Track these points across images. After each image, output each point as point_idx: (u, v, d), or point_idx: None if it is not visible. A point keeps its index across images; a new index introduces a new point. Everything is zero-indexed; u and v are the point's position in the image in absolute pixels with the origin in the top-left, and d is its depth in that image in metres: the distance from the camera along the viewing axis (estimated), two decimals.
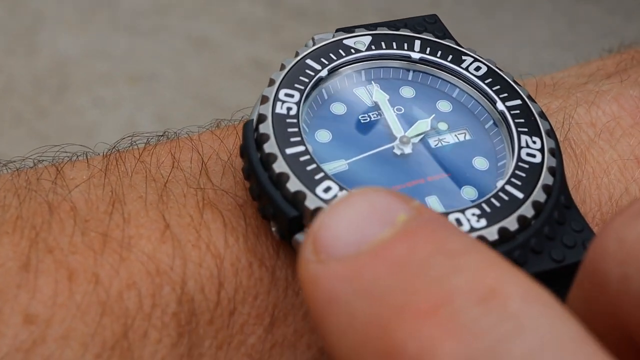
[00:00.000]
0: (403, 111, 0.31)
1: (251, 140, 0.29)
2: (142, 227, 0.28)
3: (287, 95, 0.29)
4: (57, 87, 0.73)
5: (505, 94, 0.31)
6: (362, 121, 0.30)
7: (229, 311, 0.27)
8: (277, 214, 0.27)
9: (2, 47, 0.74)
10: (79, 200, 0.29)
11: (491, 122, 0.31)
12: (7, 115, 0.72)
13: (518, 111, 0.30)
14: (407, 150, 0.29)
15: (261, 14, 0.80)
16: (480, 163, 0.30)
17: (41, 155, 0.32)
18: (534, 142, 0.29)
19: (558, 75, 0.38)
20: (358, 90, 0.31)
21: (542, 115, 0.31)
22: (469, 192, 0.29)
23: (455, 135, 0.30)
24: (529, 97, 0.31)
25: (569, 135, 0.33)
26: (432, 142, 0.30)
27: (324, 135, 0.30)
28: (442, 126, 0.30)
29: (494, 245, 0.27)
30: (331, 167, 0.28)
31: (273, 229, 0.28)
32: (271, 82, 0.30)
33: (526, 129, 0.30)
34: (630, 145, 0.33)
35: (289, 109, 0.29)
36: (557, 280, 0.27)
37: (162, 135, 0.33)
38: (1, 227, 0.27)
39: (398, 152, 0.29)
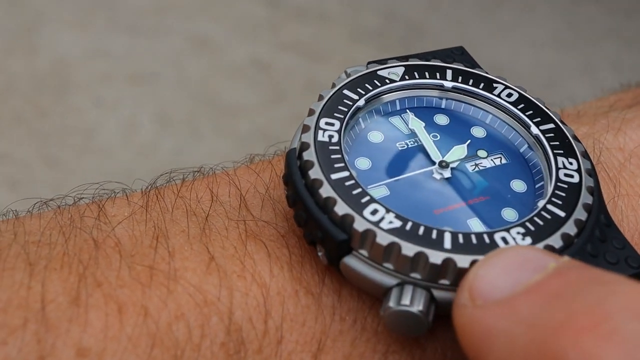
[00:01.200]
0: (439, 138, 0.31)
1: (295, 168, 0.29)
2: (187, 260, 0.29)
3: (327, 124, 0.30)
4: (57, 87, 0.73)
5: (539, 119, 0.32)
6: (399, 148, 0.31)
7: (276, 339, 0.28)
8: (326, 238, 0.28)
9: (2, 47, 0.74)
10: (123, 235, 0.29)
11: (526, 146, 0.31)
12: (7, 115, 0.72)
13: (552, 134, 0.31)
14: (447, 174, 0.30)
15: (261, 14, 0.81)
16: (518, 186, 0.30)
17: (81, 193, 0.32)
18: (571, 163, 0.30)
19: (579, 106, 0.39)
20: (394, 119, 0.32)
21: (575, 138, 0.31)
22: (509, 214, 0.29)
23: (492, 160, 0.31)
24: (561, 121, 0.32)
25: (600, 159, 0.34)
26: (469, 166, 0.31)
27: (363, 163, 0.30)
28: (481, 153, 0.31)
29: None
30: (373, 192, 0.29)
31: (319, 253, 0.29)
32: (311, 112, 0.31)
33: (562, 151, 0.30)
34: None
35: (330, 136, 0.30)
36: None
37: (197, 172, 0.34)
38: (49, 264, 0.28)
39: (437, 176, 0.30)
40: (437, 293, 0.27)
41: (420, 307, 0.27)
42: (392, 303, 0.27)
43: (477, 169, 0.31)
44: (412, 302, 0.27)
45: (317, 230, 0.28)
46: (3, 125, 0.72)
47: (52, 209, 0.31)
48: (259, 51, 0.78)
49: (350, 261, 0.28)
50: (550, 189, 0.29)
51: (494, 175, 0.31)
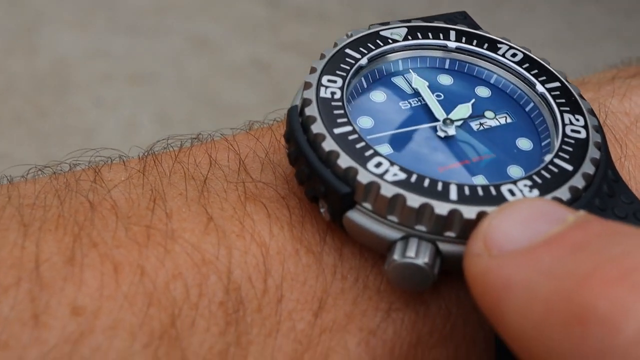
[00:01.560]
0: (443, 97, 0.31)
1: (297, 124, 0.29)
2: (184, 221, 0.28)
3: (330, 81, 0.30)
4: (57, 87, 0.73)
5: (544, 77, 0.31)
6: (402, 107, 0.30)
7: (276, 298, 0.27)
8: (329, 191, 0.27)
9: (2, 47, 0.74)
10: (119, 198, 0.29)
11: (532, 104, 0.31)
12: (7, 115, 0.72)
13: (558, 92, 0.31)
14: (451, 131, 0.30)
15: (261, 14, 0.81)
16: (524, 144, 0.30)
17: (77, 159, 0.32)
18: (577, 120, 0.30)
19: (584, 77, 0.39)
20: (397, 79, 0.32)
21: (582, 96, 0.31)
22: (515, 171, 0.29)
23: (497, 119, 0.31)
24: (567, 80, 0.31)
25: (606, 122, 0.34)
26: (474, 125, 0.30)
27: (365, 122, 0.30)
28: (489, 114, 0.31)
29: None
30: (377, 150, 0.28)
31: (322, 209, 0.28)
32: (312, 70, 0.30)
33: (568, 108, 0.30)
34: None
35: (333, 93, 0.29)
36: None
37: (195, 138, 0.33)
38: (44, 225, 0.27)
39: (442, 134, 0.30)
40: (442, 246, 0.27)
41: (426, 259, 0.26)
42: (396, 256, 0.26)
43: (482, 127, 0.30)
44: (417, 254, 0.26)
45: (320, 184, 0.27)
46: (3, 125, 0.71)
47: (47, 175, 0.31)
48: (259, 51, 0.78)
49: (354, 215, 0.27)
50: (557, 145, 0.29)
51: (500, 134, 0.30)
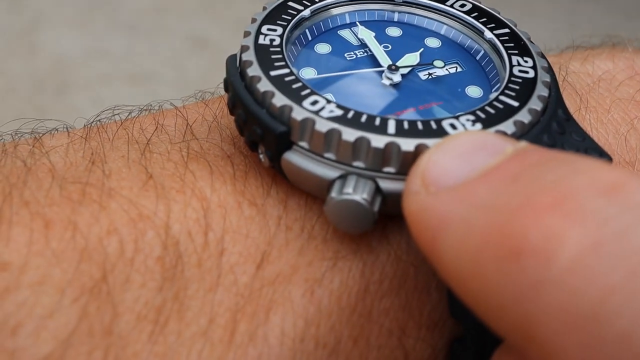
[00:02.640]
0: (390, 48, 0.30)
1: (234, 70, 0.28)
2: (123, 180, 0.27)
3: (269, 29, 0.29)
4: (57, 87, 0.73)
5: (493, 24, 0.31)
6: (347, 58, 0.30)
7: (218, 252, 0.26)
8: (265, 133, 0.26)
9: (2, 47, 0.74)
10: (57, 162, 0.28)
11: (482, 52, 0.30)
12: (7, 116, 0.72)
13: (507, 37, 0.30)
14: (396, 78, 0.29)
15: None
16: (473, 91, 0.29)
17: (18, 129, 0.31)
18: (526, 61, 0.29)
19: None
20: (343, 31, 0.31)
21: (531, 41, 0.30)
22: None
23: (446, 69, 0.30)
24: (516, 26, 0.31)
25: (567, 79, 0.33)
26: (422, 75, 0.30)
27: (309, 73, 0.29)
28: (438, 63, 0.30)
29: None
30: None
31: (261, 155, 0.27)
32: (253, 21, 0.30)
33: (517, 51, 0.29)
34: (629, 93, 0.33)
35: (272, 40, 0.29)
36: None
37: (145, 109, 0.32)
38: None
39: (387, 82, 0.29)
40: (383, 183, 0.26)
41: (365, 195, 0.25)
42: (334, 193, 0.26)
43: (430, 77, 0.30)
44: (355, 190, 0.25)
45: (256, 126, 0.27)
46: (3, 125, 0.72)
47: None
48: None
49: (291, 156, 0.26)
50: (503, 85, 0.28)
51: (448, 82, 0.29)
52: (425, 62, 0.30)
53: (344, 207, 0.25)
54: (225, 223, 0.27)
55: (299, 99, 0.26)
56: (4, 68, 0.73)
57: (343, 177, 0.26)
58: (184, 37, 0.78)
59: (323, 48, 0.30)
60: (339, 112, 0.26)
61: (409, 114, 0.28)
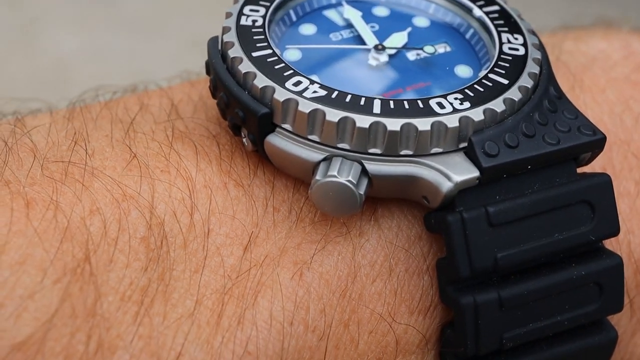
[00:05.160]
0: (377, 28, 0.29)
1: (216, 52, 0.27)
2: (107, 160, 0.27)
3: (252, 10, 0.28)
4: (57, 87, 0.73)
5: (482, 2, 0.30)
6: (333, 39, 0.29)
7: (203, 233, 0.26)
8: (247, 115, 0.26)
9: (2, 47, 0.73)
10: (39, 141, 0.27)
11: (472, 30, 0.29)
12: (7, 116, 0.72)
13: (497, 15, 0.29)
14: (383, 58, 0.28)
15: None
16: (463, 71, 0.28)
17: (0, 108, 0.30)
18: (516, 39, 0.28)
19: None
20: (329, 12, 0.30)
21: (521, 18, 0.29)
22: None
23: (435, 48, 0.29)
24: (506, 2, 0.30)
25: (561, 58, 0.32)
26: (410, 55, 0.29)
27: (293, 54, 0.28)
28: (428, 49, 0.29)
29: (482, 127, 0.25)
30: None
31: (244, 139, 0.26)
32: (235, 1, 0.29)
33: (507, 29, 0.29)
34: (624, 73, 0.33)
35: (254, 21, 0.28)
36: (556, 165, 0.26)
37: (130, 91, 0.32)
38: None
39: (373, 62, 0.28)
40: (369, 165, 0.25)
41: (349, 177, 0.24)
42: (319, 176, 0.25)
43: (418, 57, 0.29)
44: (340, 172, 0.25)
45: (238, 109, 0.26)
46: None
47: None
48: None
49: (274, 139, 0.26)
50: (492, 63, 0.27)
51: (437, 62, 0.28)
52: (414, 43, 0.29)
53: (329, 189, 0.25)
54: (211, 204, 0.26)
55: (281, 80, 0.26)
56: (4, 68, 0.74)
57: (328, 160, 0.25)
58: (184, 37, 0.79)
59: (308, 29, 0.29)
60: (323, 93, 0.25)
61: (397, 95, 0.27)
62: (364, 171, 0.25)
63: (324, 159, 0.25)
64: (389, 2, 0.31)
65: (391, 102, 0.25)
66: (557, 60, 0.32)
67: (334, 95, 0.25)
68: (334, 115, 0.25)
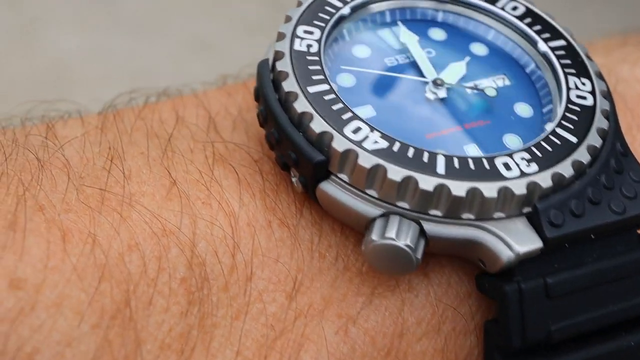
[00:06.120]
0: (434, 54, 0.28)
1: (267, 80, 0.26)
2: (144, 184, 0.25)
3: (306, 32, 0.26)
4: (57, 87, 0.71)
5: (548, 34, 0.28)
6: (388, 64, 0.27)
7: (245, 276, 0.24)
8: (300, 159, 0.24)
9: (2, 47, 0.73)
10: (72, 156, 0.26)
11: (533, 65, 0.28)
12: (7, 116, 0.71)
13: (563, 52, 0.27)
14: (441, 94, 0.26)
15: (262, 14, 0.79)
16: (522, 109, 0.27)
17: (29, 112, 0.28)
18: (584, 84, 0.26)
19: (590, 41, 0.35)
20: (383, 32, 0.28)
21: (589, 57, 0.28)
22: (512, 140, 0.26)
23: (493, 81, 0.27)
24: (573, 38, 0.28)
25: (617, 88, 0.30)
26: (468, 87, 0.27)
27: (347, 79, 0.26)
28: (487, 82, 0.27)
29: (548, 193, 0.24)
30: (358, 112, 0.25)
31: (294, 179, 0.25)
32: (287, 19, 0.27)
33: (574, 70, 0.27)
34: None
35: (309, 46, 0.26)
36: (618, 233, 0.24)
37: (162, 93, 0.30)
38: None
39: (431, 96, 0.26)
40: (427, 226, 0.24)
41: (407, 241, 0.23)
42: (375, 235, 0.23)
43: (476, 90, 0.27)
44: (398, 234, 0.23)
45: (290, 150, 0.24)
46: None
47: None
48: (259, 51, 0.76)
49: (328, 187, 0.24)
50: (560, 112, 0.26)
51: (496, 97, 0.27)
52: (472, 74, 0.27)
53: (386, 252, 0.24)
54: (254, 244, 0.25)
55: (340, 125, 0.24)
56: (4, 68, 0.72)
57: (385, 217, 0.24)
58: (184, 37, 0.77)
59: (362, 51, 0.27)
60: (384, 144, 0.24)
61: (455, 133, 0.25)
62: (422, 231, 0.24)
63: (381, 215, 0.24)
64: (445, 22, 0.29)
65: (455, 161, 0.24)
66: (614, 92, 0.30)
67: (395, 148, 0.24)
68: (396, 173, 0.23)
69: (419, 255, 0.23)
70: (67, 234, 0.23)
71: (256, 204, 0.25)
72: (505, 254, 0.23)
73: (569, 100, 0.26)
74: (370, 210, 0.24)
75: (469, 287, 0.25)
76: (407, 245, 0.23)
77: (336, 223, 0.26)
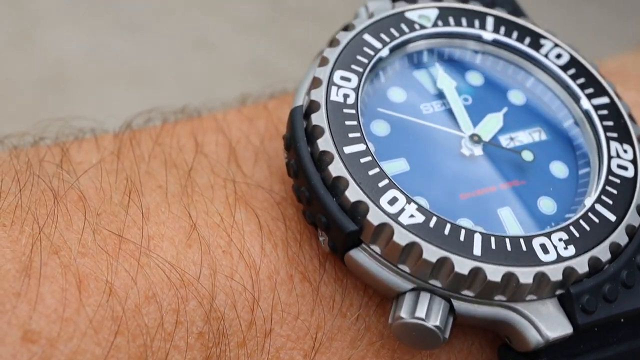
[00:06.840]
0: (470, 102, 0.26)
1: (301, 132, 0.24)
2: (163, 225, 0.24)
3: (343, 78, 0.25)
4: (57, 87, 0.70)
5: (591, 90, 0.27)
6: (424, 112, 0.26)
7: (264, 332, 0.24)
8: (332, 225, 0.23)
9: (2, 47, 0.71)
10: (88, 188, 0.25)
11: (571, 120, 0.27)
12: (8, 116, 0.68)
13: (606, 111, 0.26)
14: (477, 151, 0.25)
15: (262, 14, 0.77)
16: (558, 169, 0.26)
17: (43, 131, 0.27)
18: (625, 152, 0.25)
19: (620, 59, 0.33)
20: (419, 73, 0.27)
21: (632, 117, 0.26)
22: (546, 205, 0.25)
23: (530, 134, 0.26)
24: (616, 93, 0.27)
25: None
26: (504, 140, 0.26)
27: (381, 127, 0.25)
28: (523, 137, 0.26)
29: (581, 278, 0.23)
30: (391, 166, 0.24)
31: (321, 238, 0.24)
32: (324, 62, 0.25)
33: (616, 134, 0.26)
34: None
35: (345, 96, 0.25)
36: None
37: (180, 112, 0.29)
38: None
39: (467, 152, 0.25)
40: (457, 304, 0.23)
41: (437, 322, 0.23)
42: (404, 313, 0.23)
43: (512, 144, 0.26)
44: (428, 314, 0.23)
45: (321, 214, 0.23)
46: (3, 125, 0.68)
47: (7, 148, 0.26)
48: (260, 51, 0.74)
49: (359, 255, 0.23)
50: (599, 183, 0.25)
51: (532, 154, 0.26)
52: (508, 125, 0.26)
53: (414, 330, 0.23)
54: (274, 298, 0.24)
55: (376, 194, 0.23)
56: (4, 68, 0.71)
57: (415, 291, 0.23)
58: (184, 37, 0.75)
59: (398, 95, 0.26)
60: (420, 219, 0.23)
61: (489, 194, 0.25)
62: (452, 309, 0.23)
63: (412, 289, 0.23)
64: (483, 65, 0.27)
65: (492, 240, 0.23)
66: None
67: (432, 224, 0.23)
68: (432, 254, 0.22)
69: (447, 335, 0.23)
70: (83, 281, 0.23)
71: (278, 255, 0.25)
72: (535, 339, 0.23)
73: (609, 171, 0.25)
74: (401, 284, 0.23)
75: (490, 356, 0.25)
76: (436, 327, 0.23)
77: (359, 281, 0.25)
